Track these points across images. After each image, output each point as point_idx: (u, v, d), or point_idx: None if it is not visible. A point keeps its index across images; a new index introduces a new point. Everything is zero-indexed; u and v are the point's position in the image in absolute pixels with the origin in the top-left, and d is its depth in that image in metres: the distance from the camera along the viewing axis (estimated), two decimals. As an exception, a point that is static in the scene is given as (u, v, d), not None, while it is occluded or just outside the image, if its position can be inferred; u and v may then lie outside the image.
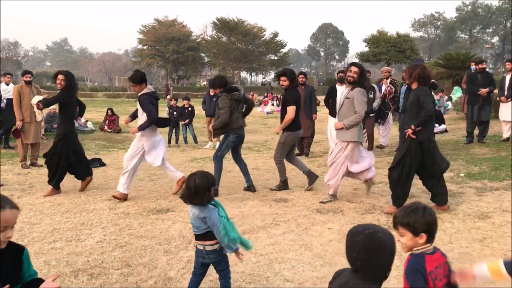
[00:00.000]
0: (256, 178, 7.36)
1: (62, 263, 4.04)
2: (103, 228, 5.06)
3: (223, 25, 60.00)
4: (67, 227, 5.08)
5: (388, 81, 10.59)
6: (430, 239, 2.22)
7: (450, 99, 19.26)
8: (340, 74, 10.21)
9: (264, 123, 18.60)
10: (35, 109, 8.39)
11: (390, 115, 10.68)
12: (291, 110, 6.69)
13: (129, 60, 79.30)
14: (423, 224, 2.18)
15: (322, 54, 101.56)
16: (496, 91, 10.69)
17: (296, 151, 9.13)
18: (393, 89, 10.43)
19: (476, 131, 10.38)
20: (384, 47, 41.23)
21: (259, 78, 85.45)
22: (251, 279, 3.76)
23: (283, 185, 6.93)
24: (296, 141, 7.12)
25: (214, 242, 3.14)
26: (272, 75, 77.40)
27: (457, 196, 6.24)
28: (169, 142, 12.02)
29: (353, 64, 6.15)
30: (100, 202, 6.23)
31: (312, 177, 6.90)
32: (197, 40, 64.28)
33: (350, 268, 1.98)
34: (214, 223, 3.07)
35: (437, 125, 13.16)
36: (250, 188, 6.84)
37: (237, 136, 6.73)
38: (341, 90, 9.92)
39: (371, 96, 9.61)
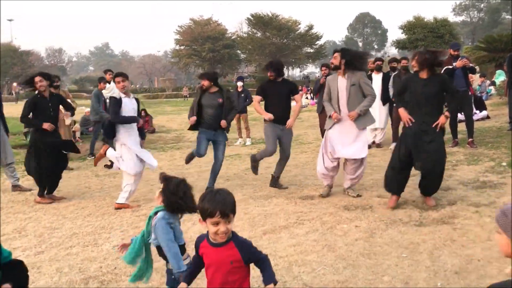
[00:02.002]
0: (284, 175, 7.10)
1: (74, 270, 3.94)
2: (123, 232, 4.96)
3: (258, 21, 59.74)
4: (86, 231, 5.01)
5: (381, 73, 10.04)
6: None
7: (493, 83, 18.28)
8: (378, 62, 9.80)
9: (298, 117, 18.24)
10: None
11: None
12: (299, 98, 6.70)
13: (168, 61, 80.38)
14: None
15: (360, 44, 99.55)
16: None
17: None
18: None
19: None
20: (421, 33, 39.71)
21: (296, 72, 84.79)
22: (267, 284, 3.53)
23: (275, 181, 6.68)
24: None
25: None
26: (309, 68, 76.71)
27: (498, 187, 5.78)
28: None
29: (335, 51, 5.93)
30: (124, 204, 6.15)
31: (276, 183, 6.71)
32: (232, 38, 64.36)
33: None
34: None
35: (477, 111, 12.46)
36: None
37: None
38: (377, 78, 9.55)
39: None
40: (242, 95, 11.33)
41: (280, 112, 6.39)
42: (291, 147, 6.62)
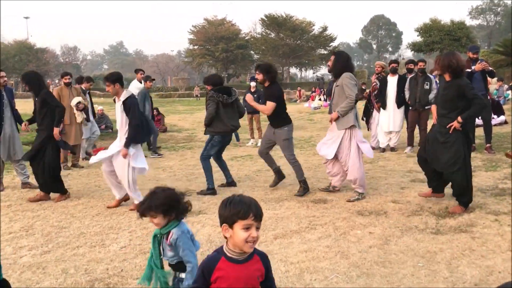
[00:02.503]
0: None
1: (80, 271, 3.84)
2: (130, 232, 4.87)
3: (272, 22, 59.65)
4: (94, 231, 4.92)
5: (374, 76, 9.86)
6: None
7: (511, 87, 17.94)
8: (393, 65, 9.62)
9: (310, 119, 18.06)
10: (75, 111, 8.44)
11: (376, 114, 9.83)
12: (270, 105, 6.20)
13: (182, 61, 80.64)
14: None
15: (374, 46, 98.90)
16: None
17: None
18: (378, 84, 9.63)
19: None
20: (437, 35, 39.09)
21: (309, 74, 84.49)
22: (277, 292, 3.40)
23: (305, 186, 6.30)
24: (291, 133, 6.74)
25: None
26: (322, 69, 76.32)
27: (517, 196, 5.58)
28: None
29: (332, 53, 6.25)
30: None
31: (279, 176, 6.61)
32: (246, 38, 64.33)
33: None
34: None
35: (495, 116, 12.20)
36: (232, 183, 6.87)
37: (223, 137, 6.63)
38: (393, 81, 9.37)
39: (427, 87, 8.96)
40: (255, 95, 11.20)
41: (270, 115, 6.32)
42: (291, 149, 6.40)
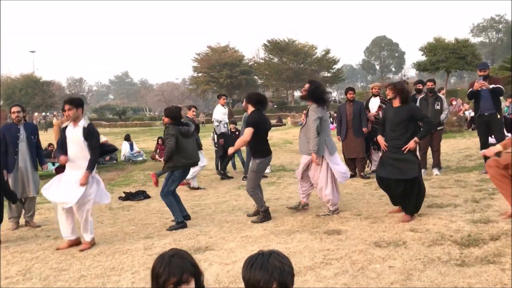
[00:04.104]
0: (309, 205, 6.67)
1: (78, 321, 3.54)
2: (133, 274, 4.56)
3: (274, 47, 60.20)
4: (95, 273, 4.63)
5: (378, 99, 9.46)
6: None
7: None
8: (418, 86, 9.37)
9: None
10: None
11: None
12: (247, 131, 6.17)
13: (186, 88, 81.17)
14: None
15: (377, 67, 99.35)
16: None
17: (350, 172, 8.36)
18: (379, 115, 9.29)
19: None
20: (442, 54, 38.88)
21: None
22: None
23: (266, 215, 6.29)
24: (266, 167, 6.83)
25: None
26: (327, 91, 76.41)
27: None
28: (217, 168, 11.53)
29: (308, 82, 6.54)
30: (137, 241, 5.77)
31: (266, 216, 6.33)
32: (249, 64, 64.81)
33: None
34: None
35: (509, 134, 11.85)
36: (187, 217, 6.58)
37: (184, 171, 6.59)
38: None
39: (438, 107, 8.70)
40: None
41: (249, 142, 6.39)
42: (254, 183, 6.40)
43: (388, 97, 5.85)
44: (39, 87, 60.14)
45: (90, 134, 5.52)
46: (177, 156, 6.34)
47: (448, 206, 6.14)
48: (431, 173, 8.81)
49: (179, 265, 1.75)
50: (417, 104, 8.93)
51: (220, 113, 10.81)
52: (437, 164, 8.89)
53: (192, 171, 8.42)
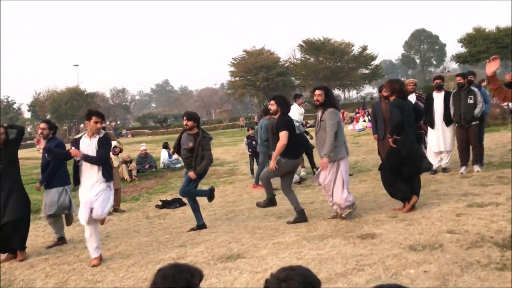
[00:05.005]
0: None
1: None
2: (165, 284, 4.59)
3: (310, 46, 59.74)
4: (128, 285, 4.69)
5: (414, 96, 9.00)
6: None
7: None
8: (437, 81, 9.04)
9: (355, 142, 17.38)
10: (111, 155, 8.43)
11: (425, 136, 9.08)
12: (283, 135, 6.19)
13: (225, 93, 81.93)
14: None
15: (417, 61, 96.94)
16: None
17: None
18: (421, 105, 8.89)
19: None
20: (482, 45, 37.35)
21: (353, 94, 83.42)
22: None
23: (300, 215, 6.38)
24: (294, 170, 6.87)
25: None
26: (366, 89, 75.31)
27: None
28: (252, 173, 11.52)
29: (315, 88, 6.40)
30: (170, 250, 5.82)
31: (301, 217, 6.35)
32: (286, 65, 64.65)
33: None
34: None
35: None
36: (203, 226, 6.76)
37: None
38: (439, 98, 8.78)
39: (471, 101, 8.33)
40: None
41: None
42: (270, 175, 6.59)
43: (385, 95, 6.25)
44: (84, 99, 62.33)
45: (104, 144, 5.51)
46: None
47: (489, 205, 5.85)
48: (472, 169, 8.45)
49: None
50: (451, 98, 8.62)
51: (297, 113, 10.38)
52: (477, 160, 8.50)
53: None
